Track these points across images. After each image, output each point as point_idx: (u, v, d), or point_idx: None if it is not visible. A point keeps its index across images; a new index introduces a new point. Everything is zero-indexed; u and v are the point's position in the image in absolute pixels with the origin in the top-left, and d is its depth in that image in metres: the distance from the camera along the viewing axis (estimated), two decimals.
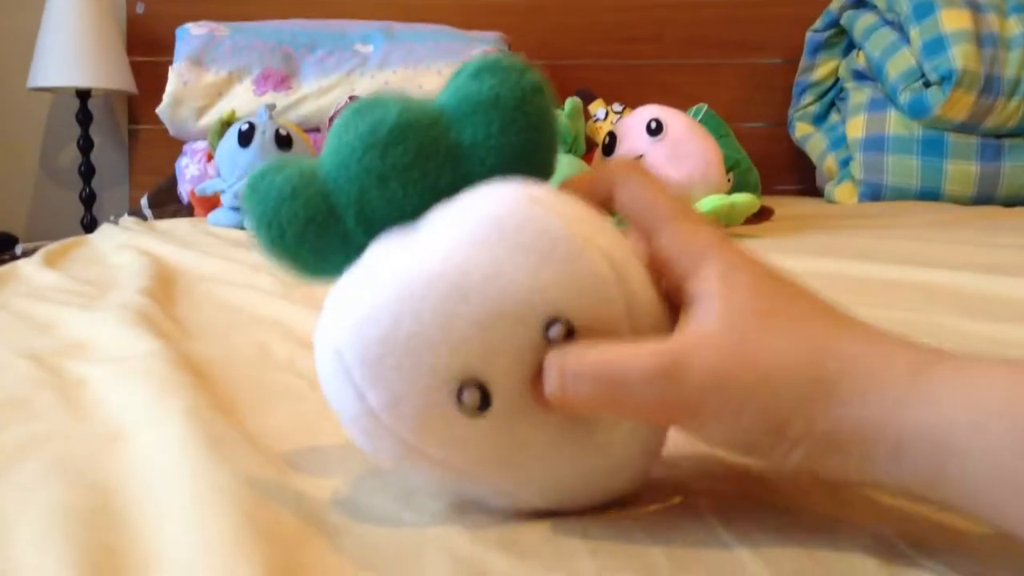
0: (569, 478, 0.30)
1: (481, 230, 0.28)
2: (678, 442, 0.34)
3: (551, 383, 0.28)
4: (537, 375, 0.28)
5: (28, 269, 0.95)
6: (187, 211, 1.73)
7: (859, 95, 2.00)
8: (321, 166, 0.32)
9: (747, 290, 0.28)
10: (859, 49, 2.03)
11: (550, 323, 0.27)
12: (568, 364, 0.27)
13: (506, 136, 0.31)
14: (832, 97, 2.17)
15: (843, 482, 0.28)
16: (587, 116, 1.70)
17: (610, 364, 0.27)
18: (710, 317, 0.28)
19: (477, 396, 0.27)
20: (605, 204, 0.32)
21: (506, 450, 0.29)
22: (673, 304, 0.30)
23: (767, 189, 1.74)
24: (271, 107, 1.48)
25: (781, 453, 0.27)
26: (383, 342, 0.27)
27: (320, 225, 0.31)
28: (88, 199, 2.14)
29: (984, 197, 1.85)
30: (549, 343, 0.27)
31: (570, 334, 0.27)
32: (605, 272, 0.28)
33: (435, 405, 0.27)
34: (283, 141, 1.41)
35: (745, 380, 0.27)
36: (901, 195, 1.87)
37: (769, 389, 0.26)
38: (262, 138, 1.40)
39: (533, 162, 0.31)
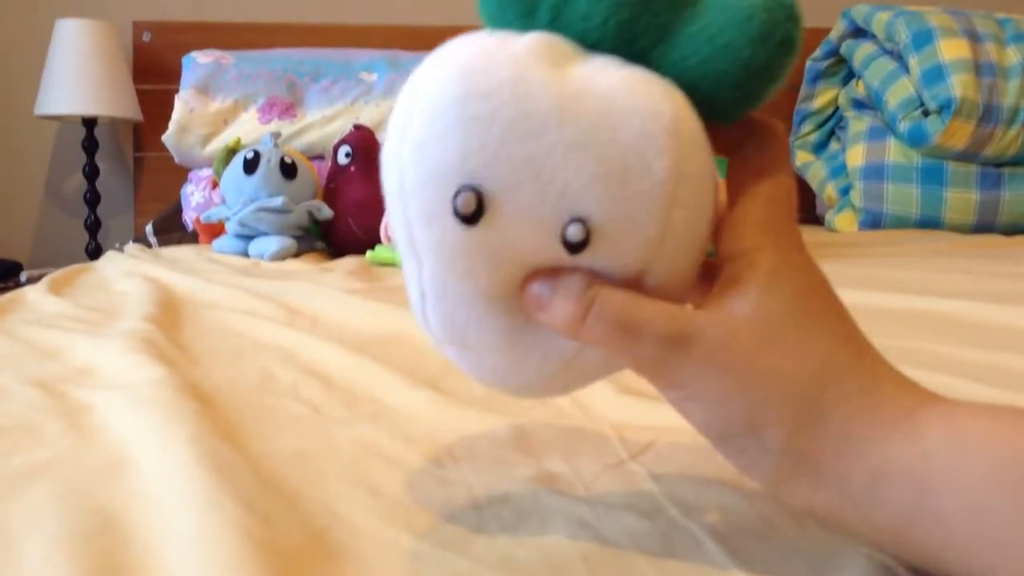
0: (474, 334, 0.30)
1: (613, 106, 0.27)
2: (679, 469, 0.34)
3: (574, 307, 0.28)
4: (538, 274, 0.29)
5: (33, 296, 0.96)
6: (192, 238, 1.74)
7: (859, 124, 2.01)
8: None
9: (785, 296, 0.28)
10: (858, 78, 2.05)
11: (575, 220, 0.27)
12: (600, 298, 0.28)
13: (723, 55, 0.28)
14: (832, 126, 2.18)
15: (810, 515, 0.27)
16: None
17: (630, 314, 0.28)
18: (740, 307, 0.28)
19: (472, 206, 0.27)
20: (728, 146, 0.31)
21: (454, 266, 0.29)
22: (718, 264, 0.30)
23: None
24: (276, 135, 1.50)
25: (752, 455, 0.27)
26: (465, 97, 0.26)
27: None
28: (93, 226, 2.15)
29: (984, 225, 1.86)
30: (561, 235, 0.27)
31: (580, 245, 0.27)
32: (651, 235, 0.27)
33: (443, 180, 0.27)
34: (288, 169, 1.43)
35: (743, 374, 0.27)
36: (901, 223, 1.88)
37: (763, 390, 0.27)
38: (267, 166, 1.41)
39: (722, 96, 0.29)
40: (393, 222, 0.29)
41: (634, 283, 0.28)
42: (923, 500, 0.25)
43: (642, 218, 0.27)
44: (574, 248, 0.27)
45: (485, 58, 0.27)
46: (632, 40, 0.29)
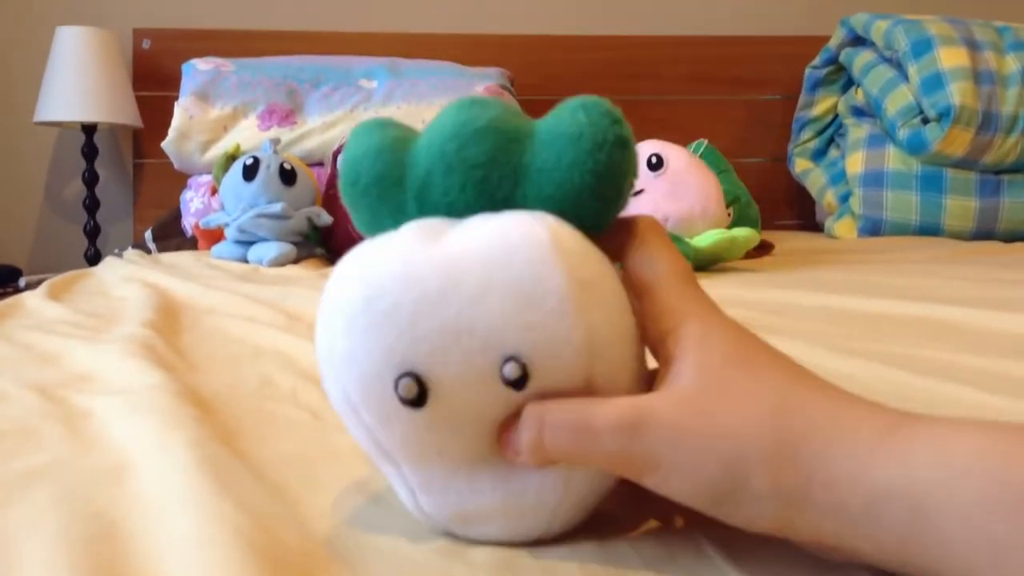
0: (471, 504, 0.31)
1: (493, 252, 0.28)
2: None
3: (530, 431, 0.29)
4: (505, 423, 0.30)
5: (32, 301, 0.96)
6: (191, 244, 1.74)
7: (858, 131, 2.02)
8: (419, 136, 0.34)
9: (721, 352, 0.29)
10: (858, 86, 2.06)
11: (507, 360, 0.28)
12: (548, 414, 0.29)
13: (571, 173, 0.31)
14: (831, 133, 2.19)
15: (821, 547, 0.27)
16: None
17: (582, 417, 0.29)
18: (683, 377, 0.29)
19: (414, 391, 0.28)
20: (614, 255, 0.33)
21: (426, 449, 0.30)
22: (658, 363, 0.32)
23: (767, 224, 1.75)
24: (276, 141, 1.50)
25: (749, 509, 0.27)
26: (366, 302, 0.29)
27: (385, 188, 0.33)
28: (92, 232, 2.15)
29: (983, 232, 1.86)
30: (501, 379, 0.28)
31: (522, 380, 0.28)
32: (578, 344, 0.28)
33: (379, 378, 0.29)
34: (287, 175, 1.43)
35: (705, 433, 0.27)
36: (901, 230, 1.88)
37: (730, 442, 0.27)
38: (266, 172, 1.41)
39: (587, 208, 0.32)
40: (357, 437, 0.31)
41: (586, 393, 0.29)
42: (919, 521, 0.24)
43: (563, 332, 0.28)
44: (517, 384, 0.29)
45: (373, 260, 0.30)
46: (493, 193, 0.32)
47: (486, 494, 0.31)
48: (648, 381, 0.32)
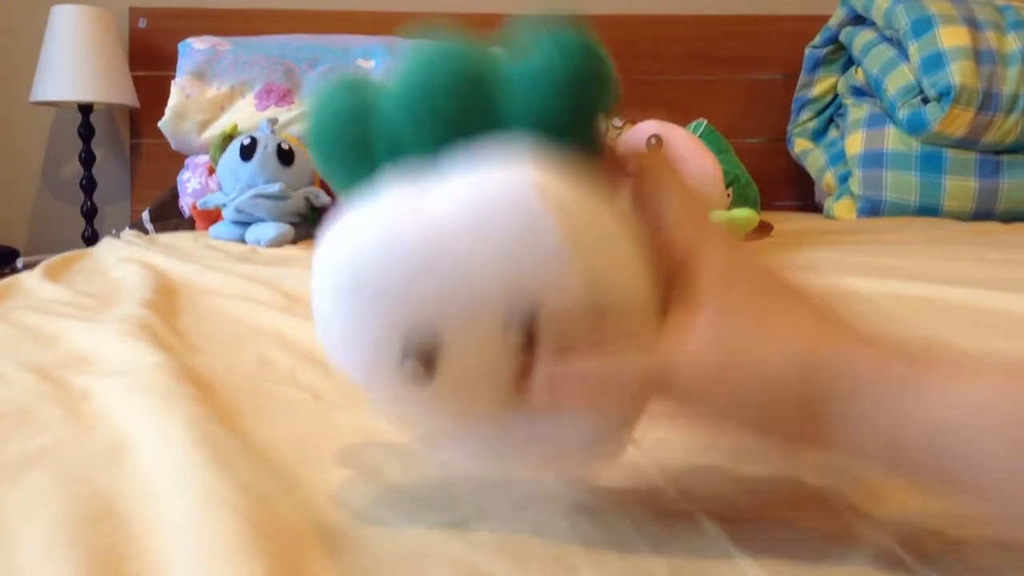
0: (502, 453, 0.31)
1: (480, 217, 0.27)
2: (680, 454, 0.34)
3: (542, 393, 0.29)
4: (521, 375, 0.29)
5: (30, 282, 0.96)
6: (188, 225, 1.73)
7: (858, 111, 2.01)
8: (383, 91, 0.32)
9: (743, 295, 0.28)
10: (858, 65, 2.05)
11: (511, 322, 0.27)
12: (556, 374, 0.28)
13: (549, 103, 0.30)
14: (831, 113, 2.18)
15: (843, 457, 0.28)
16: None
17: (599, 373, 0.28)
18: (704, 320, 0.28)
19: (420, 369, 0.28)
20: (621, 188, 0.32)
21: (442, 417, 0.30)
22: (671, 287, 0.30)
23: (766, 204, 1.74)
24: (273, 121, 1.49)
25: (776, 446, 0.29)
26: (354, 286, 0.28)
27: (357, 154, 0.32)
28: (90, 213, 2.14)
29: (983, 213, 1.85)
30: (507, 333, 0.28)
31: (528, 341, 0.28)
32: (582, 293, 0.27)
33: (381, 360, 0.28)
34: (285, 155, 1.42)
35: (733, 384, 0.27)
36: (900, 211, 1.87)
37: (757, 392, 0.27)
38: (264, 152, 1.40)
39: (571, 134, 0.30)
40: (371, 394, 0.31)
41: (600, 331, 0.28)
42: (943, 458, 0.25)
43: (565, 284, 0.27)
44: (527, 338, 0.28)
45: (355, 236, 0.28)
46: (469, 137, 0.30)
47: (516, 442, 0.31)
48: (661, 313, 0.31)
